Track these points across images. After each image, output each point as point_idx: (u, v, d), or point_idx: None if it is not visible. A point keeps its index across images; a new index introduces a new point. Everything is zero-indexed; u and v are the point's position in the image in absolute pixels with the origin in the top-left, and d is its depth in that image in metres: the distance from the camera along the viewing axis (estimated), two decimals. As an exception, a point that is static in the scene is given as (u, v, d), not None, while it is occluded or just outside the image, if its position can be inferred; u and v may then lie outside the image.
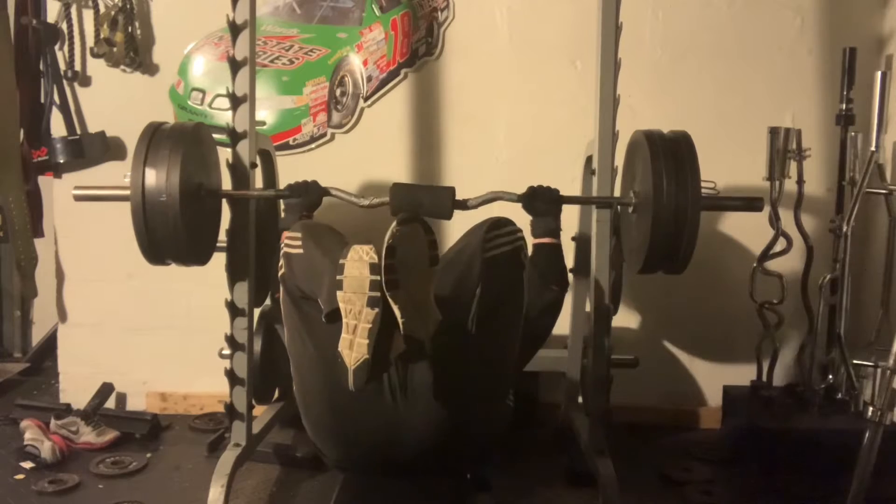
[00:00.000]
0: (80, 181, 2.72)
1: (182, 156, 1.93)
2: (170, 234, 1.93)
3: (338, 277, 1.62)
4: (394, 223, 1.62)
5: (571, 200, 2.16)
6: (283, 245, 1.88)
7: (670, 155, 1.94)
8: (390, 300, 1.60)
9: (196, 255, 2.05)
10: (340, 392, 1.67)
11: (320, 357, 1.75)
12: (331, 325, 1.67)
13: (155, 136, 1.97)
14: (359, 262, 1.60)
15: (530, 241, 2.06)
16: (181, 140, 1.97)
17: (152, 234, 1.93)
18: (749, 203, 2.09)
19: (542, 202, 2.06)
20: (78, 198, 2.08)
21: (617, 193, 2.16)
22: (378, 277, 1.59)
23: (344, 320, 1.62)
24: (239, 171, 2.12)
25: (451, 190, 2.04)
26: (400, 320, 1.61)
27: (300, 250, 1.83)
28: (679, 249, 1.94)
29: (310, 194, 2.11)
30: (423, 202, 2.04)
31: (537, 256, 2.03)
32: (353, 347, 1.61)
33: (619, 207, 2.16)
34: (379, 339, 1.61)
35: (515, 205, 2.08)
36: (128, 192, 1.93)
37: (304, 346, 1.80)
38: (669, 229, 1.91)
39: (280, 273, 1.86)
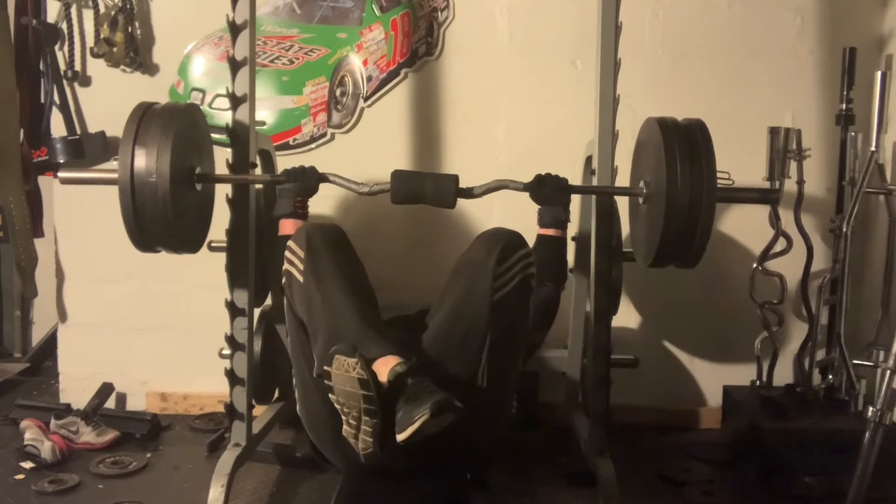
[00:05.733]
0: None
1: (174, 136, 1.82)
2: (159, 217, 1.83)
3: (326, 383, 1.57)
4: (427, 412, 1.49)
5: (580, 190, 2.14)
6: (286, 253, 1.82)
7: (685, 141, 1.84)
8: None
9: (187, 241, 1.96)
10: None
11: (323, 389, 1.71)
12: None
13: (145, 116, 1.85)
14: (346, 377, 1.54)
15: (536, 230, 2.05)
16: (173, 120, 1.86)
17: (141, 217, 1.83)
18: (765, 195, 2.07)
19: (551, 189, 2.04)
20: (64, 181, 2.00)
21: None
22: (371, 393, 1.53)
23: (343, 417, 1.59)
24: (239, 172, 2.11)
25: (455, 178, 2.00)
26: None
27: (301, 278, 1.77)
28: (693, 241, 1.83)
29: (306, 179, 2.05)
30: (425, 190, 1.99)
31: (539, 248, 2.00)
32: (359, 440, 1.60)
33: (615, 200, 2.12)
34: (383, 432, 1.59)
35: (522, 194, 2.05)
36: (116, 176, 1.82)
37: (309, 374, 1.76)
38: (683, 219, 1.80)
39: (283, 281, 1.83)
